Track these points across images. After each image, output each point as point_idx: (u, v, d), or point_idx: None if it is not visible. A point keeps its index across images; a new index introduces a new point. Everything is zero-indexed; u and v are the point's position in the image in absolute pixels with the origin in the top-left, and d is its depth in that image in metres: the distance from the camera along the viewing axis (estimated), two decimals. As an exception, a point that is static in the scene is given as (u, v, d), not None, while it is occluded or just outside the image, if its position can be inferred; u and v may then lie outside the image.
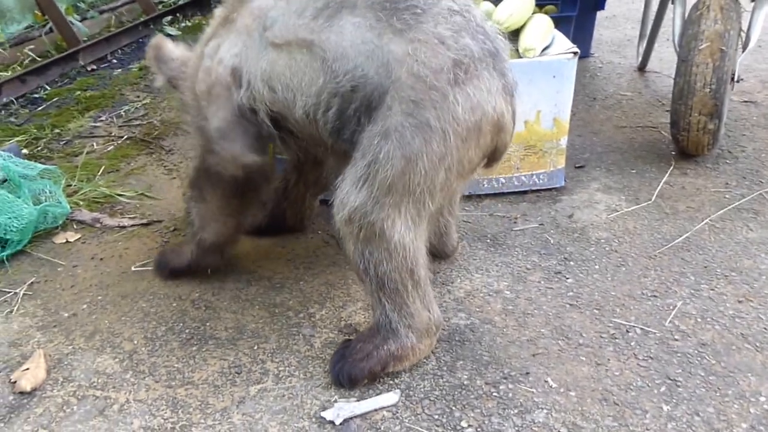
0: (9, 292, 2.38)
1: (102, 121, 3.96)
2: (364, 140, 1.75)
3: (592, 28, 4.48)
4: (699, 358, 1.95)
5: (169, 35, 5.75)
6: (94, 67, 4.96)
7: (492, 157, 1.90)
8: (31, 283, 2.43)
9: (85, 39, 5.20)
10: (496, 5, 2.91)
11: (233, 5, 2.09)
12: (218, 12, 2.18)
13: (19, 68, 4.65)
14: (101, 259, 2.57)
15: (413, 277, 1.84)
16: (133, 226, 2.80)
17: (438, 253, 2.39)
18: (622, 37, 5.09)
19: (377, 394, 1.86)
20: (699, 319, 2.10)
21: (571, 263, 2.40)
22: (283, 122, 2.03)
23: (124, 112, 4.01)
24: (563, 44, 2.72)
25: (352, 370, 1.88)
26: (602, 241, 2.52)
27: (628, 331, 2.06)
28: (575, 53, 2.61)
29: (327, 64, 1.81)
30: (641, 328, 2.07)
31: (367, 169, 1.72)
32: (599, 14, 4.50)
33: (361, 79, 1.76)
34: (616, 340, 2.02)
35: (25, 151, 3.44)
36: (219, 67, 2.04)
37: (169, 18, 6.07)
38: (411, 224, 1.77)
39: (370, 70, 1.75)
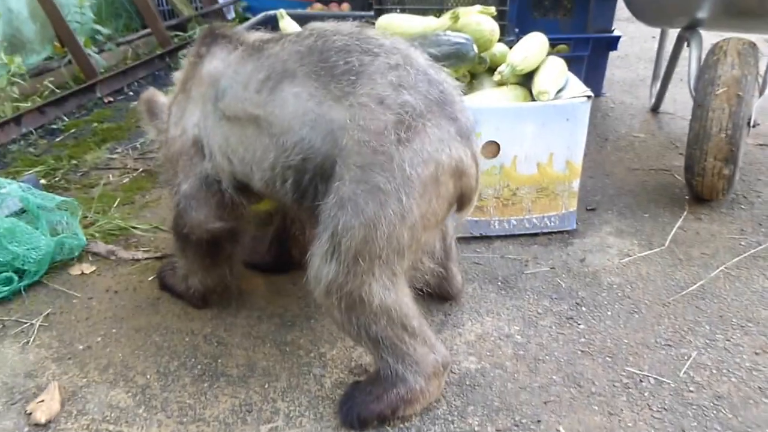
0: (26, 323, 2.40)
1: (118, 153, 4.00)
2: (323, 213, 1.74)
3: (604, 67, 4.51)
4: (715, 411, 1.93)
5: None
6: (111, 99, 5.03)
7: (461, 202, 1.86)
8: (47, 314, 2.45)
9: (102, 71, 5.28)
10: (510, 46, 2.95)
11: (187, 70, 2.15)
12: (177, 75, 2.23)
13: (38, 99, 4.71)
14: (116, 291, 2.59)
15: (407, 330, 1.83)
16: (147, 259, 2.82)
17: (444, 296, 2.40)
18: (634, 77, 5.12)
19: (388, 437, 1.86)
20: (714, 371, 2.09)
21: (583, 308, 2.40)
22: (245, 190, 2.10)
23: (139, 144, 4.05)
24: (577, 87, 2.74)
25: (362, 411, 1.87)
26: (615, 286, 2.52)
27: (641, 381, 2.05)
28: (589, 97, 2.64)
29: (275, 138, 1.83)
30: (655, 378, 2.06)
31: (330, 241, 1.71)
32: (611, 53, 4.53)
33: (309, 151, 1.77)
34: (629, 390, 2.02)
35: (43, 181, 3.49)
36: (183, 136, 2.10)
37: (184, 51, 6.15)
38: (389, 284, 1.75)
39: (317, 141, 1.75)
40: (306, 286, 2.49)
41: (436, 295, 2.38)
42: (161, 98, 2.37)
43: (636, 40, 6.03)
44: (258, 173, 1.93)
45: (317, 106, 1.74)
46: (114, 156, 3.96)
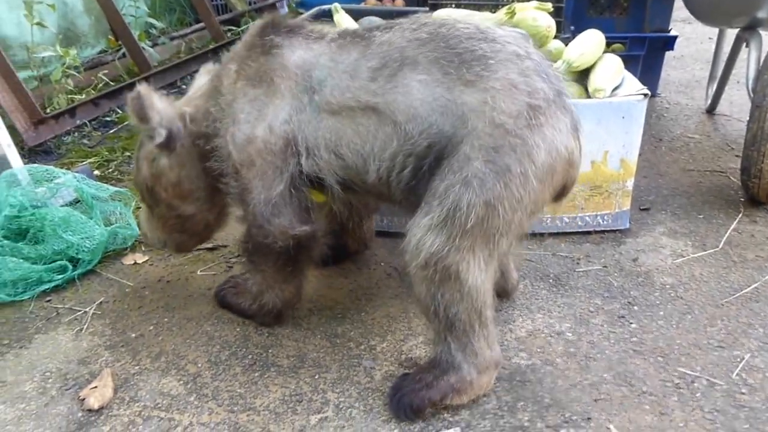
0: (79, 311, 2.45)
1: (170, 145, 4.05)
2: (440, 188, 1.73)
3: (660, 68, 4.44)
4: (767, 414, 1.89)
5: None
6: (164, 92, 5.10)
7: (560, 193, 1.90)
8: (100, 302, 2.50)
9: (156, 65, 5.36)
10: (566, 44, 2.92)
11: (261, 62, 2.00)
12: (233, 67, 2.05)
13: (92, 91, 4.81)
14: (167, 281, 2.63)
15: (481, 318, 1.83)
16: (198, 250, 2.85)
17: (498, 292, 2.37)
18: (690, 77, 5.03)
19: (438, 431, 1.85)
20: (768, 373, 2.05)
21: (635, 308, 2.36)
22: (352, 186, 2.01)
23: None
24: (633, 85, 2.70)
25: (413, 399, 1.87)
26: (667, 286, 2.48)
27: (693, 382, 2.01)
28: (646, 95, 2.59)
29: (399, 126, 1.81)
30: (707, 379, 2.02)
31: (445, 215, 1.71)
32: (667, 54, 4.45)
33: (436, 136, 1.77)
34: (681, 390, 1.98)
35: (96, 172, 3.56)
36: (268, 135, 1.96)
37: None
38: (483, 265, 1.77)
39: (445, 125, 1.75)
40: (357, 280, 2.58)
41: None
42: (156, 97, 2.12)
43: (692, 41, 5.92)
44: (374, 164, 1.88)
45: (447, 92, 1.74)
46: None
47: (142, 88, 2.09)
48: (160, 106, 2.11)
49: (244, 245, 2.19)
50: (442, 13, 3.07)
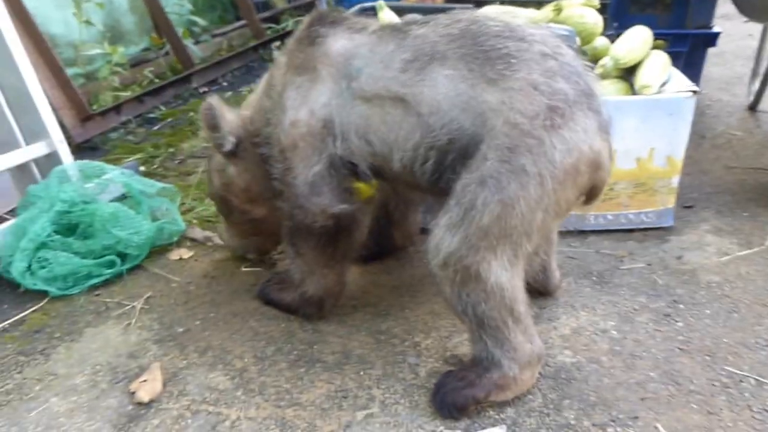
0: (127, 305, 2.50)
1: (212, 142, 4.11)
2: (458, 188, 1.76)
3: (701, 64, 4.36)
4: (819, 415, 1.86)
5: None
6: (206, 89, 5.18)
7: (590, 195, 1.90)
8: (148, 297, 2.55)
9: (198, 62, 5.43)
10: (610, 41, 2.89)
11: (307, 52, 2.07)
12: (283, 60, 2.15)
13: (137, 88, 4.89)
14: (213, 277, 2.67)
15: (513, 314, 1.83)
16: (241, 246, 2.89)
17: (540, 291, 2.38)
18: (731, 74, 4.96)
19: (483, 428, 1.85)
20: (818, 374, 2.01)
21: (681, 306, 2.34)
22: (380, 172, 2.05)
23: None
24: (681, 82, 2.67)
25: (456, 398, 1.88)
26: (713, 285, 2.45)
27: (741, 381, 1.99)
28: (694, 92, 2.56)
29: (423, 118, 1.83)
30: (755, 379, 2.00)
31: (462, 215, 1.73)
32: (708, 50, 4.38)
33: (456, 132, 1.78)
34: (729, 390, 1.96)
35: (142, 168, 3.62)
36: (310, 118, 2.03)
37: (277, 43, 6.28)
38: (507, 265, 1.77)
39: (466, 122, 1.77)
40: (400, 277, 2.59)
41: (533, 288, 2.35)
42: (225, 108, 2.29)
43: (733, 38, 5.82)
44: (398, 154, 1.92)
45: (470, 89, 1.76)
46: (209, 145, 4.06)
47: (213, 99, 2.26)
48: (229, 116, 2.28)
49: (285, 232, 2.24)
50: (486, 11, 3.06)
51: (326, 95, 2.01)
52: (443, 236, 1.77)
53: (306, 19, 2.16)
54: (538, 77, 1.71)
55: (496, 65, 1.74)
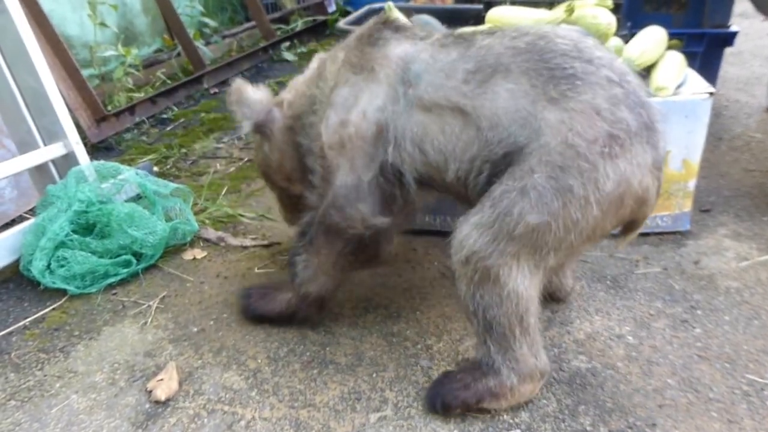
0: (143, 304, 2.51)
1: (224, 142, 4.13)
2: (496, 192, 1.73)
3: (718, 64, 4.32)
4: (840, 423, 1.84)
5: (286, 60, 5.96)
6: (217, 90, 5.20)
7: (628, 227, 1.90)
8: (163, 296, 2.55)
9: (209, 63, 5.45)
10: (624, 41, 2.87)
11: (366, 52, 2.05)
12: (341, 54, 2.12)
13: (150, 89, 4.91)
14: (225, 277, 2.68)
15: (522, 324, 1.82)
16: (254, 246, 2.89)
17: (552, 296, 2.37)
18: (749, 74, 4.91)
19: (497, 433, 1.85)
20: (839, 381, 1.99)
21: (699, 312, 2.32)
22: (428, 182, 2.02)
23: (244, 134, 4.15)
24: (697, 83, 2.65)
25: (446, 397, 1.88)
26: (732, 290, 2.43)
27: (762, 389, 1.97)
28: (711, 93, 2.54)
29: (482, 132, 1.80)
30: (776, 387, 1.98)
31: (495, 218, 1.71)
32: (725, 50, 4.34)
33: (512, 146, 1.75)
34: (750, 398, 1.94)
35: (155, 169, 3.63)
36: (361, 120, 1.99)
37: (287, 44, 6.29)
38: (528, 273, 1.76)
39: (521, 137, 1.73)
40: (411, 279, 2.59)
41: (545, 294, 2.34)
42: (250, 89, 2.33)
43: (750, 37, 5.76)
44: (455, 165, 1.89)
45: (530, 105, 1.72)
46: (220, 145, 4.08)
47: (237, 82, 2.33)
48: (254, 97, 2.31)
49: (309, 225, 2.16)
50: (496, 12, 3.05)
51: (381, 98, 1.98)
52: (470, 233, 1.75)
53: (370, 21, 2.14)
54: (602, 102, 1.67)
55: (560, 85, 1.70)
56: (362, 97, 2.00)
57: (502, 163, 1.78)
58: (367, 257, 2.21)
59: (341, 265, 2.19)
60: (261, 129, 2.34)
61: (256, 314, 2.36)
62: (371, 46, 2.05)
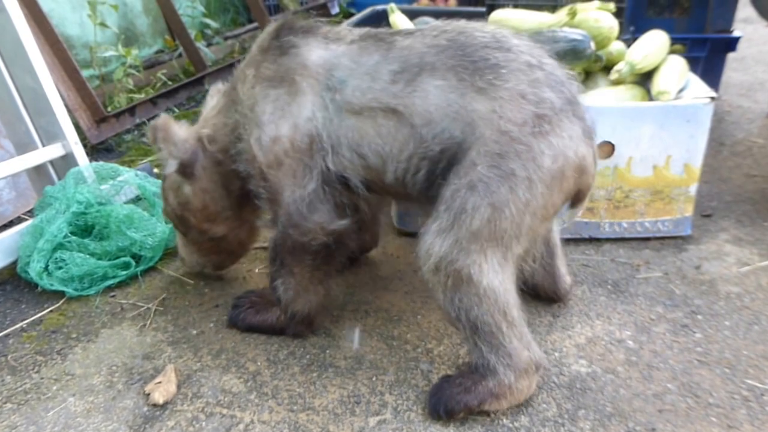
0: (142, 307, 2.50)
1: (226, 144, 4.11)
2: (447, 194, 1.78)
3: (721, 70, 4.33)
4: (841, 429, 1.83)
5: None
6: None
7: (576, 199, 1.93)
8: (162, 299, 2.54)
9: (210, 64, 5.44)
10: (627, 45, 2.87)
11: (280, 63, 2.00)
12: (250, 72, 2.05)
13: (151, 90, 4.90)
14: (226, 279, 2.67)
15: (507, 318, 1.83)
16: (255, 248, 2.88)
17: (551, 297, 2.38)
18: (752, 80, 4.91)
19: (497, 437, 1.84)
20: (841, 387, 1.98)
21: (699, 317, 2.31)
22: (372, 186, 2.05)
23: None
24: (699, 88, 2.65)
25: (449, 402, 1.88)
26: (733, 296, 2.42)
27: (762, 395, 1.96)
28: (712, 98, 2.54)
29: (416, 129, 1.85)
30: (777, 392, 1.97)
31: (452, 219, 1.75)
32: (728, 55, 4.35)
33: (448, 141, 1.81)
34: (750, 403, 1.93)
35: (156, 170, 3.61)
36: (294, 133, 1.96)
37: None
38: (498, 267, 1.79)
39: (456, 131, 1.80)
40: (411, 282, 2.58)
41: (544, 295, 2.37)
42: (175, 125, 2.21)
43: (753, 42, 5.76)
44: (392, 165, 1.93)
45: (460, 98, 1.79)
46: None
47: (163, 117, 2.21)
48: (181, 135, 2.20)
49: (275, 249, 2.14)
50: (498, 15, 3.05)
51: (309, 108, 1.96)
52: (433, 241, 1.79)
53: (270, 28, 2.09)
54: (525, 87, 1.76)
55: (486, 75, 1.78)
56: (289, 110, 1.97)
57: (440, 159, 1.84)
58: (346, 256, 2.25)
59: (318, 278, 2.17)
60: (185, 169, 2.22)
61: (245, 325, 2.33)
62: (283, 56, 2.01)
